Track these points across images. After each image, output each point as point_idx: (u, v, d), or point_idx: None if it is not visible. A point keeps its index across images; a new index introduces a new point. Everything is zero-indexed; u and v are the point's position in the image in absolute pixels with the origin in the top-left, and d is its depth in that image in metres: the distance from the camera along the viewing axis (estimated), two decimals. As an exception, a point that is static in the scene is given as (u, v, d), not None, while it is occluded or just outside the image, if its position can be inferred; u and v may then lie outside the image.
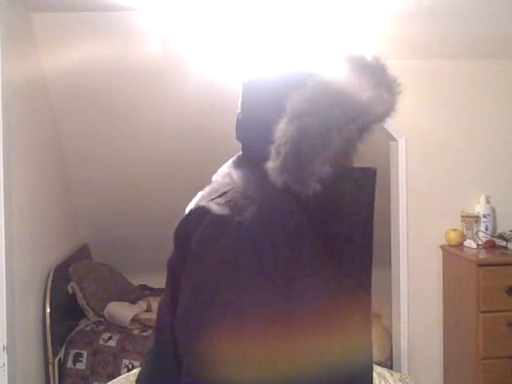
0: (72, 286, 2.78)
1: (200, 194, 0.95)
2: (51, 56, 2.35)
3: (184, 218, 0.90)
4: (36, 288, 2.36)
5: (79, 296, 2.80)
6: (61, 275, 2.61)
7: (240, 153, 1.03)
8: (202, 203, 0.89)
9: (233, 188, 0.90)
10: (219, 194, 0.90)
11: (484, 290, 2.30)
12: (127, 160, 2.96)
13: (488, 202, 2.60)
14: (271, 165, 0.88)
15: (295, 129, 0.87)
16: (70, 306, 2.75)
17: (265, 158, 0.89)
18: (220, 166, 1.05)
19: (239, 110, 1.01)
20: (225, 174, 0.98)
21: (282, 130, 0.89)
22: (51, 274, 2.48)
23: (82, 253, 3.14)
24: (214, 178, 0.99)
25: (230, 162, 1.03)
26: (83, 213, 3.20)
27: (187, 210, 0.92)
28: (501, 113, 2.66)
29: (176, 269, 0.90)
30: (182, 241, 0.88)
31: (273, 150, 0.89)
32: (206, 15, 2.08)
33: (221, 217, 0.84)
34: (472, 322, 2.34)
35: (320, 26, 2.18)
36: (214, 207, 0.86)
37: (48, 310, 2.40)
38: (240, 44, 2.27)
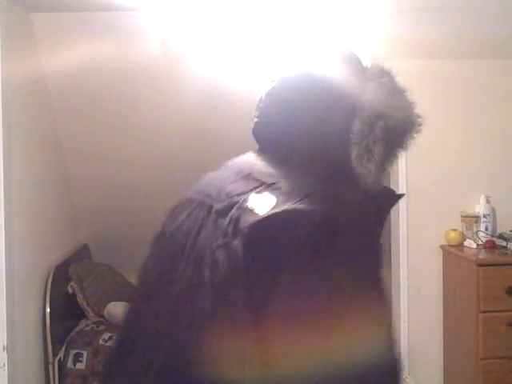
0: (72, 286, 2.78)
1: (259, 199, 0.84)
2: (51, 56, 2.35)
3: (269, 225, 0.79)
4: (36, 288, 2.36)
5: (79, 296, 2.80)
6: (61, 275, 2.61)
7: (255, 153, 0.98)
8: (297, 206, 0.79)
9: (313, 192, 0.82)
10: (301, 197, 0.81)
11: (484, 290, 2.30)
12: (127, 160, 2.96)
13: (488, 202, 2.60)
14: (361, 169, 0.85)
15: (379, 129, 0.85)
16: (70, 306, 2.75)
17: (338, 162, 0.87)
18: (220, 166, 1.00)
19: (280, 114, 0.94)
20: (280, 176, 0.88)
21: (361, 130, 0.85)
22: (51, 274, 2.47)
23: (82, 253, 3.14)
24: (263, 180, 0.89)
25: (262, 163, 0.95)
26: (83, 213, 3.20)
27: (264, 210, 0.80)
28: (501, 113, 2.66)
29: (253, 277, 0.79)
30: (272, 248, 0.78)
31: (359, 150, 0.85)
32: (206, 15, 2.08)
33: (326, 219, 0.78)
34: (472, 321, 2.34)
35: (320, 25, 2.18)
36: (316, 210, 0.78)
37: (48, 310, 2.40)
38: (240, 44, 2.27)
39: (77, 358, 2.61)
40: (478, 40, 2.40)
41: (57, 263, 2.61)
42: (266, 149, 0.98)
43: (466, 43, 2.43)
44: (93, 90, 2.57)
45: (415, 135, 0.89)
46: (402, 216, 2.61)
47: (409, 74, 2.58)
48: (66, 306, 2.70)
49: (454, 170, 2.64)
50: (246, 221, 0.80)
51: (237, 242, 0.80)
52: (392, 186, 2.69)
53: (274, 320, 0.77)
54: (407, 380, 2.51)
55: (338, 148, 0.88)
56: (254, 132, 0.99)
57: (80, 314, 2.86)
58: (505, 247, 2.48)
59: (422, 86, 2.57)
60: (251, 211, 0.80)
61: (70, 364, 2.59)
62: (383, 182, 0.93)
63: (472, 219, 2.56)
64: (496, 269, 2.33)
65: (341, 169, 0.87)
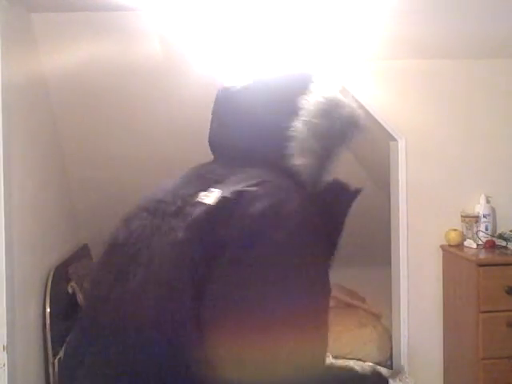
0: (72, 286, 2.77)
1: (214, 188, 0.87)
2: (51, 56, 2.35)
3: (220, 204, 0.82)
4: (36, 288, 2.36)
5: (79, 296, 2.80)
6: (61, 275, 2.61)
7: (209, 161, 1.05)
8: (241, 188, 0.83)
9: (264, 180, 0.87)
10: (253, 183, 0.85)
11: (484, 290, 2.30)
12: (127, 160, 2.96)
13: (488, 201, 2.60)
14: (299, 162, 0.91)
15: (314, 128, 0.91)
16: (70, 306, 2.75)
17: (278, 157, 0.92)
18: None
19: (238, 115, 1.00)
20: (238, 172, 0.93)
21: (300, 129, 0.91)
22: (51, 274, 2.47)
23: (82, 253, 3.14)
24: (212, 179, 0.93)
25: (215, 166, 1.01)
26: (83, 213, 3.20)
27: (212, 199, 0.83)
28: (501, 113, 2.66)
29: (200, 264, 0.80)
30: (218, 232, 0.80)
31: (294, 148, 0.91)
32: (207, 15, 2.08)
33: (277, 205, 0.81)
34: (472, 322, 2.34)
35: (320, 25, 2.18)
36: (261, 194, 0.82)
37: (48, 310, 2.40)
38: (240, 44, 2.27)
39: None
40: (478, 40, 2.40)
41: (57, 263, 2.61)
42: (220, 154, 1.04)
43: (465, 43, 2.43)
44: (93, 90, 2.57)
45: (356, 135, 0.97)
46: (402, 216, 2.61)
47: (409, 74, 2.60)
48: (66, 306, 2.70)
49: (454, 169, 2.64)
50: (194, 214, 0.83)
51: (181, 233, 0.82)
52: (392, 186, 2.69)
53: (213, 310, 0.77)
54: (407, 380, 2.51)
55: (280, 145, 0.92)
56: (209, 140, 1.07)
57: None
58: (505, 247, 2.48)
59: (422, 85, 2.58)
60: (200, 203, 0.84)
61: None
62: (326, 178, 0.97)
63: (472, 219, 2.56)
64: (496, 269, 2.33)
65: (285, 165, 0.92)
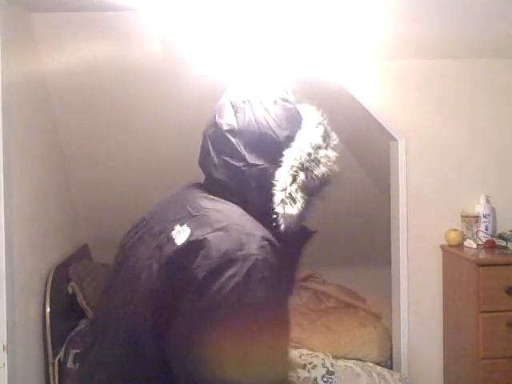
0: (72, 286, 2.77)
1: (186, 226, 0.99)
2: (51, 56, 2.35)
3: (186, 248, 0.94)
4: (36, 288, 2.36)
5: (79, 296, 2.80)
6: (61, 275, 2.61)
7: (197, 183, 1.14)
8: (205, 235, 0.94)
9: (229, 224, 0.97)
10: (218, 227, 0.96)
11: (484, 289, 2.30)
12: (127, 160, 2.96)
13: (488, 201, 2.60)
14: (288, 211, 1.00)
15: (301, 180, 1.01)
16: (70, 306, 2.75)
17: (260, 202, 1.01)
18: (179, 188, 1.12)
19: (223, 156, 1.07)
20: (207, 208, 1.03)
21: (285, 180, 1.01)
22: (51, 274, 2.47)
23: (82, 253, 3.14)
24: (193, 211, 1.03)
25: (200, 195, 1.09)
26: (83, 213, 3.20)
27: (182, 240, 0.96)
28: (501, 113, 2.66)
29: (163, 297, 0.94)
30: (181, 269, 0.93)
31: (283, 196, 1.00)
32: (207, 15, 2.08)
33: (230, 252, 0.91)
34: (472, 321, 2.34)
35: (321, 25, 2.18)
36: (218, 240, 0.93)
37: (48, 310, 2.40)
38: (240, 44, 2.27)
39: (77, 358, 2.61)
40: (478, 40, 2.40)
41: (57, 263, 2.61)
42: (207, 178, 1.13)
43: (467, 43, 2.43)
44: (93, 90, 2.57)
45: (328, 188, 1.05)
46: (402, 216, 2.61)
47: (409, 74, 2.60)
48: (66, 306, 2.70)
49: (454, 170, 2.64)
50: (166, 249, 0.97)
51: (156, 267, 0.97)
52: (392, 186, 2.70)
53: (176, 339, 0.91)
54: (407, 380, 2.51)
55: (264, 191, 1.01)
56: (200, 163, 1.16)
57: (80, 314, 2.86)
58: (505, 247, 2.48)
59: (422, 85, 2.58)
60: (172, 240, 0.98)
61: (70, 364, 2.59)
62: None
63: (472, 219, 2.56)
64: (496, 269, 2.33)
65: (265, 209, 1.01)
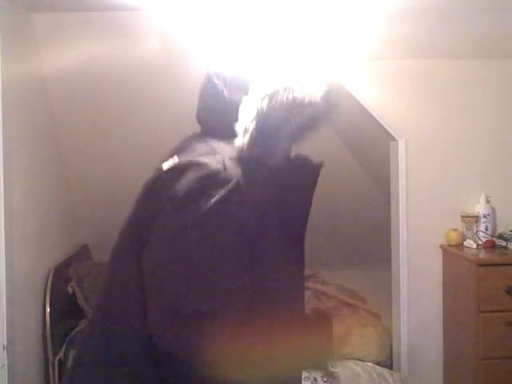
0: (72, 286, 2.77)
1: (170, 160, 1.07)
2: (51, 56, 2.35)
3: (169, 172, 1.02)
4: (36, 288, 2.36)
5: (79, 296, 2.80)
6: (61, 275, 2.61)
7: (196, 132, 1.22)
8: (194, 159, 1.01)
9: (216, 153, 1.02)
10: (206, 151, 1.03)
11: (484, 290, 2.30)
12: (127, 160, 2.96)
13: (488, 201, 2.60)
14: (243, 140, 1.03)
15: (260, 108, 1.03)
16: (70, 306, 2.75)
17: (230, 135, 1.05)
18: None
19: (207, 97, 1.23)
20: (194, 145, 1.11)
21: (247, 109, 1.04)
22: (51, 274, 2.47)
23: (82, 253, 3.14)
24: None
25: (193, 140, 1.17)
26: (83, 213, 3.20)
27: (168, 166, 1.05)
28: (501, 113, 2.66)
29: (143, 225, 1.03)
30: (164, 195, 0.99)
31: (241, 127, 1.04)
32: (207, 15, 2.08)
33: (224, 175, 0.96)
34: (472, 322, 2.34)
35: (320, 25, 2.18)
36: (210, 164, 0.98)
37: (48, 310, 2.40)
38: (241, 44, 2.27)
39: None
40: (478, 40, 2.40)
41: (57, 263, 2.61)
42: (203, 127, 1.24)
43: (466, 43, 2.43)
44: (93, 90, 2.57)
45: (324, 122, 1.08)
46: (402, 216, 2.61)
47: (409, 74, 2.60)
48: (66, 306, 2.70)
49: (454, 170, 2.64)
50: (154, 175, 1.07)
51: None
52: (392, 186, 2.69)
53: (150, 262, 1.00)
54: (407, 380, 2.51)
55: (244, 124, 1.06)
56: (196, 115, 1.28)
57: (80, 314, 2.85)
58: (505, 247, 2.48)
59: (423, 85, 2.58)
60: (159, 169, 1.07)
61: (70, 364, 2.59)
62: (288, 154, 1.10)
63: (472, 219, 2.56)
64: (496, 269, 2.33)
65: (245, 141, 1.04)
